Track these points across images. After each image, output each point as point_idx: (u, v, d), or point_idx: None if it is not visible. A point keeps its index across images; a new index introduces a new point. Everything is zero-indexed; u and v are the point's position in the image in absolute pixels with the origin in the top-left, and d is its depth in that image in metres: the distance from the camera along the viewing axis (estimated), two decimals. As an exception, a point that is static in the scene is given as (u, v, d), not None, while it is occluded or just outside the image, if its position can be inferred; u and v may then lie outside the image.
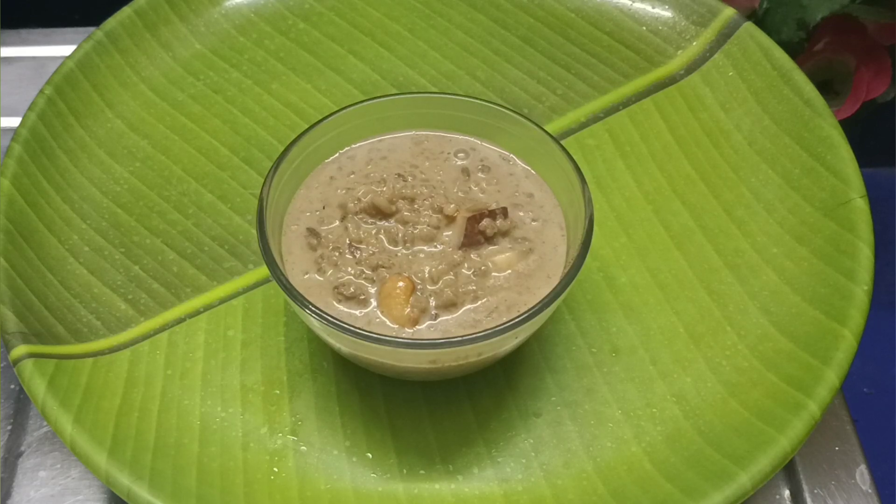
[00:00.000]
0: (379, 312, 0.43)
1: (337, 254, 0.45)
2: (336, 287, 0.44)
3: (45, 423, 0.50)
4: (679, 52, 0.58)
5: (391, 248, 0.45)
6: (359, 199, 0.46)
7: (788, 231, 0.50)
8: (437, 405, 0.46)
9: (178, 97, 0.57)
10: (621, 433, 0.45)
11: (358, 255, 0.45)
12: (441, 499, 0.43)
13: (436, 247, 0.45)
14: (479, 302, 0.43)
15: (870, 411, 0.65)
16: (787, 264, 0.49)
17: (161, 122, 0.56)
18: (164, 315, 0.49)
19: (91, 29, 0.58)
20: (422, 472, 0.44)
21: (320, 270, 0.45)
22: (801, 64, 0.55)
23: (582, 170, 0.45)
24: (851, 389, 0.51)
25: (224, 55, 0.59)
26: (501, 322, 0.41)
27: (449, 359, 0.42)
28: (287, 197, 0.47)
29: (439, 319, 0.43)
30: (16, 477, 0.48)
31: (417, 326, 0.43)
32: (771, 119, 0.54)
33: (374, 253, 0.45)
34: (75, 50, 0.57)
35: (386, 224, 0.46)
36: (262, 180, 0.45)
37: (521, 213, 0.46)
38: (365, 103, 0.48)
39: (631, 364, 0.47)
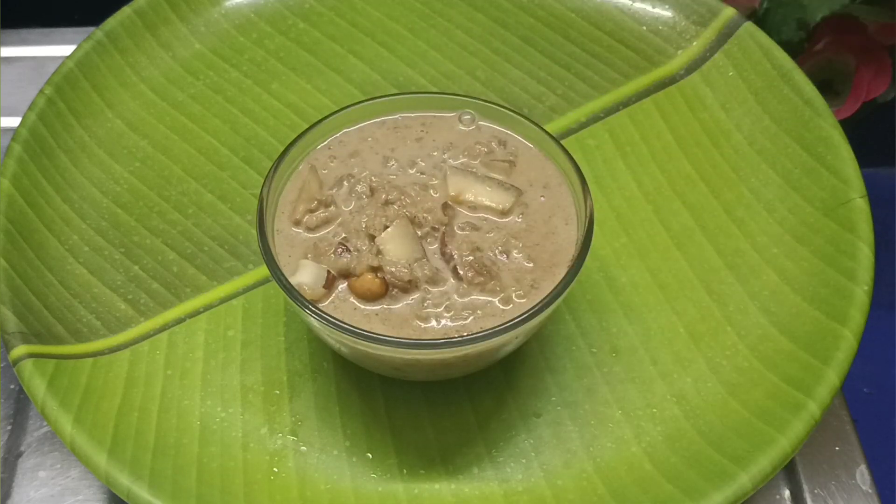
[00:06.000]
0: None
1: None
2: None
3: (45, 423, 0.50)
4: (679, 51, 0.58)
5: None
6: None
7: (788, 231, 0.50)
8: (437, 405, 0.46)
9: (178, 97, 0.57)
10: (621, 433, 0.45)
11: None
12: (441, 499, 0.43)
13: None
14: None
15: (870, 411, 0.65)
16: (787, 264, 0.49)
17: (161, 122, 0.56)
18: (164, 315, 0.49)
19: (91, 29, 0.58)
20: (422, 472, 0.44)
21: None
22: (801, 64, 0.55)
23: (582, 170, 0.45)
24: (851, 389, 0.51)
25: (224, 55, 0.59)
26: (501, 322, 0.41)
27: (448, 358, 0.42)
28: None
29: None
30: (16, 477, 0.48)
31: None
32: (771, 119, 0.54)
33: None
34: (75, 50, 0.57)
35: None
36: (262, 180, 0.45)
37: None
38: (365, 103, 0.48)
39: (631, 364, 0.47)
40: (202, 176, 0.54)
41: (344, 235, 0.45)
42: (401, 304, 0.43)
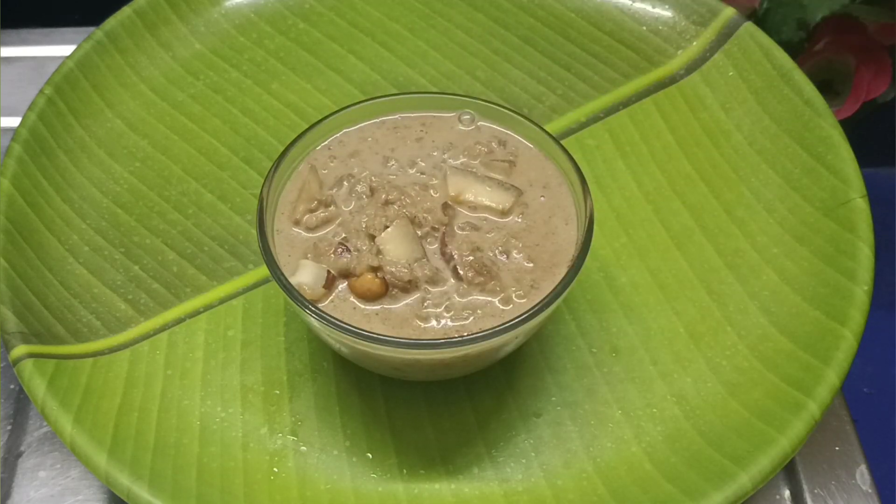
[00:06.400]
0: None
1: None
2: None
3: (45, 423, 0.50)
4: (679, 51, 0.58)
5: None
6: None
7: (788, 231, 0.50)
8: (437, 405, 0.46)
9: (178, 97, 0.57)
10: (621, 433, 0.45)
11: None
12: (441, 499, 0.43)
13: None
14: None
15: (870, 411, 0.65)
16: (787, 264, 0.49)
17: (161, 122, 0.56)
18: (164, 315, 0.49)
19: (91, 29, 0.58)
20: (422, 472, 0.44)
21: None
22: (801, 64, 0.55)
23: (582, 170, 0.45)
24: (851, 389, 0.51)
25: (224, 55, 0.59)
26: (501, 322, 0.41)
27: (448, 358, 0.42)
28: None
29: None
30: (16, 477, 0.48)
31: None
32: (771, 119, 0.54)
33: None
34: (75, 50, 0.57)
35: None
36: (262, 180, 0.45)
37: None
38: (365, 103, 0.48)
39: (631, 364, 0.47)
40: (202, 176, 0.54)
41: (344, 235, 0.45)
42: (401, 304, 0.43)
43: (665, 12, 0.59)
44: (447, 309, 0.43)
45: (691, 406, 0.45)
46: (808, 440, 0.43)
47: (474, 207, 0.46)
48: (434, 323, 0.42)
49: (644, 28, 0.59)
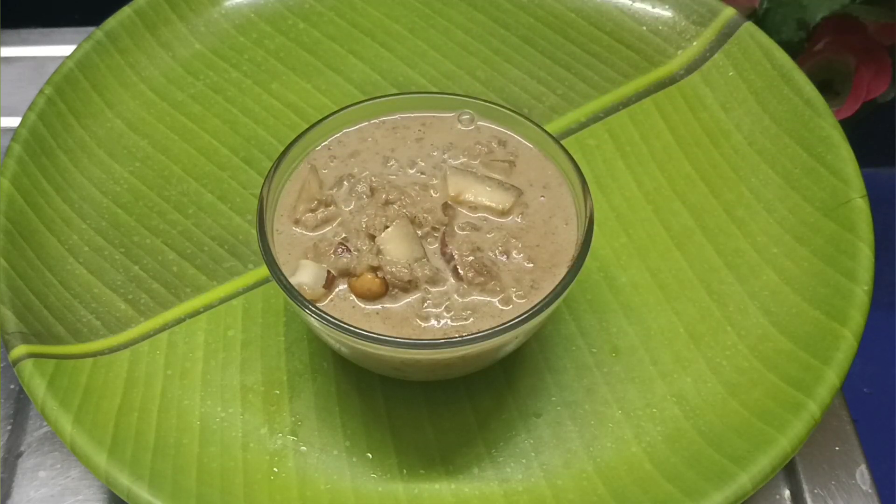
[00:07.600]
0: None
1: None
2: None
3: (45, 423, 0.50)
4: (679, 51, 0.58)
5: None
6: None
7: (788, 231, 0.50)
8: (437, 405, 0.46)
9: (178, 97, 0.57)
10: (621, 433, 0.45)
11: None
12: (441, 499, 0.43)
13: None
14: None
15: (870, 411, 0.65)
16: (787, 264, 0.49)
17: (161, 122, 0.56)
18: (164, 315, 0.49)
19: (91, 29, 0.58)
20: (422, 472, 0.44)
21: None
22: (801, 64, 0.55)
23: (582, 170, 0.45)
24: (851, 389, 0.51)
25: (224, 55, 0.59)
26: (501, 322, 0.41)
27: (448, 358, 0.42)
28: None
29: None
30: (16, 477, 0.48)
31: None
32: (771, 119, 0.54)
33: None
34: (75, 50, 0.57)
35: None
36: (262, 180, 0.45)
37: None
38: (365, 103, 0.48)
39: (631, 364, 0.47)
40: (202, 176, 0.54)
41: (344, 235, 0.45)
42: (401, 304, 0.43)
43: (665, 12, 0.59)
44: (447, 309, 0.43)
45: (691, 406, 0.45)
46: (808, 440, 0.43)
47: (474, 207, 0.46)
48: (434, 323, 0.42)
49: (644, 28, 0.59)
